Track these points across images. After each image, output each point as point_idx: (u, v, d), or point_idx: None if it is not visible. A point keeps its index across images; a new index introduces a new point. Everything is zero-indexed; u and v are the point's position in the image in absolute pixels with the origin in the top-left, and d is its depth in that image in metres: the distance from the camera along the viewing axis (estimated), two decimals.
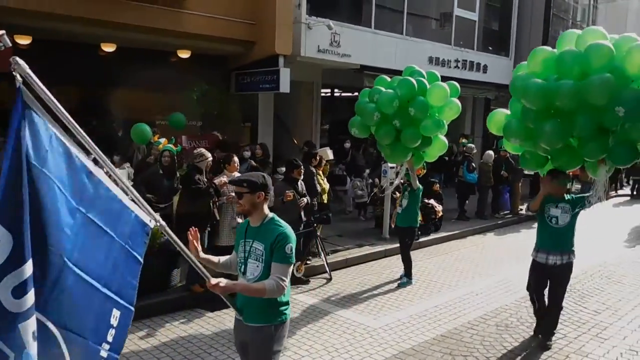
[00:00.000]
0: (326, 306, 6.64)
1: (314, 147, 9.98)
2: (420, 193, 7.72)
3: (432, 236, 10.18)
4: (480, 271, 8.35)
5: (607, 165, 5.00)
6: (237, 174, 7.11)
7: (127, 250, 2.42)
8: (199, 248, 3.36)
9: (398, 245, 7.76)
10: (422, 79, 6.94)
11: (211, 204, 6.66)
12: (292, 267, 3.22)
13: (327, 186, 8.79)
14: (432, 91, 6.88)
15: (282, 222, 3.28)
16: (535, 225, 11.92)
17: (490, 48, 15.59)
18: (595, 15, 21.52)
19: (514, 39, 15.83)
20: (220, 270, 3.57)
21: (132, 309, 2.47)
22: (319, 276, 7.80)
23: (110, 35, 8.76)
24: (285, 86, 9.85)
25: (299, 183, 7.39)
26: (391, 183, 8.92)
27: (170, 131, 10.16)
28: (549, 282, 5.49)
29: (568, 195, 5.47)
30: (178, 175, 7.48)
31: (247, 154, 9.30)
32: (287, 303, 3.33)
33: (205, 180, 6.65)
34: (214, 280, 3.05)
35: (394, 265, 8.38)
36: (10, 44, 6.44)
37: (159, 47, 9.65)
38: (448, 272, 8.26)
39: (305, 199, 7.34)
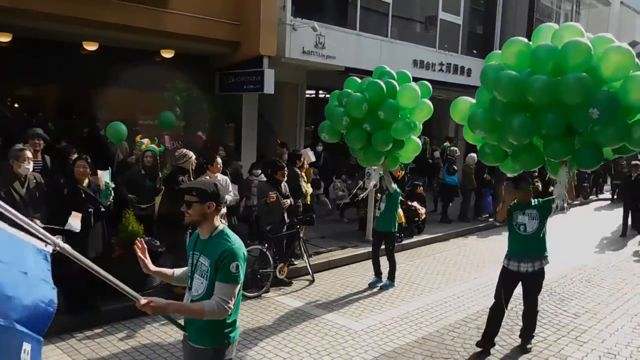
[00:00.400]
0: (308, 308, 6.63)
1: (287, 148, 9.93)
2: (398, 196, 7.61)
3: (415, 238, 10.23)
4: (462, 274, 8.41)
5: (567, 167, 4.85)
6: (219, 175, 7.07)
7: (30, 279, 2.12)
8: (147, 261, 3.14)
9: (381, 247, 7.74)
10: (391, 80, 6.78)
11: None
12: (238, 286, 2.92)
13: (310, 189, 8.77)
14: (402, 93, 6.73)
15: (232, 237, 3.00)
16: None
17: (474, 51, 15.72)
18: (578, 20, 21.75)
19: (497, 42, 15.97)
20: (175, 284, 3.38)
21: (42, 339, 2.21)
22: (302, 278, 7.78)
23: (93, 34, 8.64)
24: (269, 87, 9.81)
25: (282, 184, 7.37)
26: (363, 189, 8.71)
27: (154, 131, 10.08)
28: (522, 288, 5.47)
29: (535, 201, 5.41)
30: (160, 176, 7.42)
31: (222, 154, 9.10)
32: (232, 324, 3.05)
33: (187, 181, 6.59)
34: (143, 300, 2.78)
35: None
36: None
37: (142, 46, 9.55)
38: (430, 274, 8.30)
39: (288, 201, 7.33)
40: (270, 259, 7.07)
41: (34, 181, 5.47)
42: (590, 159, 4.69)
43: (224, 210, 6.05)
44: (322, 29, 10.51)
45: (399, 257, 8.46)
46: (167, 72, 10.27)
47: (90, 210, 5.67)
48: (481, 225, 12.23)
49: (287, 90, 12.45)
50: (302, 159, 8.38)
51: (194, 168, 6.77)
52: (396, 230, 7.62)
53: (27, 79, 9.43)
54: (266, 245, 7.07)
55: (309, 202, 8.61)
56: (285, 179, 7.44)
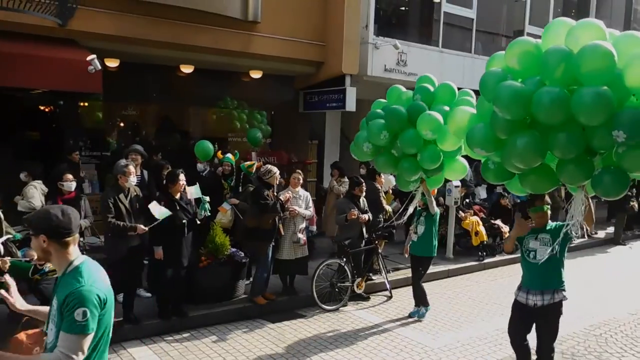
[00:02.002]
0: (385, 323, 6.70)
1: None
2: (438, 218, 6.98)
3: (497, 257, 9.95)
4: None
5: (585, 191, 4.11)
6: (301, 190, 7.37)
7: None
8: (13, 300, 2.80)
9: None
10: (420, 102, 5.73)
11: (277, 219, 6.92)
12: (88, 337, 2.35)
13: (390, 209, 8.83)
14: (422, 124, 5.53)
15: (86, 274, 2.42)
16: (611, 249, 11.42)
17: None
18: None
19: None
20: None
21: None
22: (380, 293, 7.86)
23: (189, 57, 9.33)
24: (351, 105, 10.07)
25: (360, 200, 7.53)
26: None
27: (241, 147, 10.64)
28: (535, 325, 4.82)
29: (550, 224, 4.75)
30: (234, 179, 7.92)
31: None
32: None
33: (273, 196, 6.92)
34: None
35: (457, 286, 8.29)
36: (100, 67, 7.10)
37: (232, 68, 10.15)
38: (512, 295, 8.03)
39: (366, 215, 7.46)
40: (349, 273, 7.23)
41: (135, 193, 6.02)
42: (613, 186, 3.88)
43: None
44: (404, 46, 10.61)
45: (480, 275, 8.35)
46: (255, 92, 10.84)
47: (184, 221, 6.14)
48: (571, 245, 11.60)
49: (368, 107, 12.60)
50: (381, 175, 8.44)
51: (276, 185, 7.09)
52: (434, 254, 6.99)
53: (131, 100, 10.32)
54: (344, 259, 7.24)
55: (387, 218, 8.67)
56: (364, 194, 7.59)
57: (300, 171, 7.77)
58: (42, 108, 9.62)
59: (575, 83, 3.73)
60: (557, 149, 3.84)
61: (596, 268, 10.03)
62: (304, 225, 7.30)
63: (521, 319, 4.80)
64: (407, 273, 8.61)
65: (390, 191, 9.39)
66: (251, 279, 7.17)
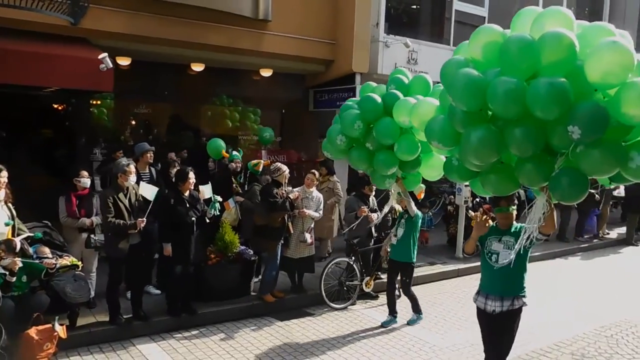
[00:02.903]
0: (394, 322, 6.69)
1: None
2: (419, 221, 6.59)
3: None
4: (558, 296, 8.02)
5: (547, 193, 3.77)
6: (314, 191, 7.38)
7: None
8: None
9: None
10: (395, 91, 5.36)
11: (286, 217, 6.94)
12: None
13: (400, 208, 8.78)
14: (398, 110, 5.12)
15: None
16: (623, 250, 11.31)
17: None
18: None
19: None
20: None
21: None
22: None
23: (200, 56, 9.38)
24: None
25: (370, 199, 7.52)
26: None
27: (252, 145, 10.68)
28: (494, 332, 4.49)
29: (516, 226, 4.39)
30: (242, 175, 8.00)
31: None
32: None
33: (282, 193, 6.93)
34: None
35: (467, 285, 8.25)
36: (112, 65, 7.14)
37: (243, 66, 10.18)
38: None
39: (376, 214, 7.45)
40: (357, 272, 7.23)
41: (134, 192, 6.03)
42: (570, 189, 3.52)
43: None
44: (415, 44, 10.57)
45: None
46: (265, 90, 10.86)
47: (193, 218, 6.17)
48: (583, 245, 11.55)
49: None
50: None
51: (285, 183, 7.10)
52: (415, 260, 6.64)
53: (143, 98, 10.40)
54: (353, 257, 7.24)
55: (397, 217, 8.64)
56: (374, 193, 7.58)
57: (315, 171, 7.74)
58: (54, 106, 9.72)
59: (534, 76, 3.42)
60: (514, 145, 3.52)
61: (608, 268, 9.93)
62: (312, 225, 7.31)
63: (485, 325, 4.50)
64: (416, 272, 8.55)
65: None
66: (260, 277, 7.19)
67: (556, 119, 3.29)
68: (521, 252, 4.10)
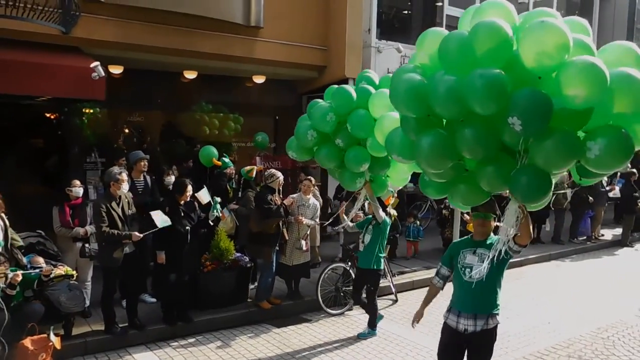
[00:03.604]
0: (391, 327, 6.67)
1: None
2: (387, 228, 6.32)
3: None
4: (554, 299, 8.04)
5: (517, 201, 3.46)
6: (311, 199, 7.36)
7: None
8: None
9: None
10: (366, 86, 5.24)
11: (281, 224, 6.92)
12: None
13: (395, 212, 8.77)
14: (374, 101, 4.98)
15: None
16: (618, 251, 11.33)
17: None
18: None
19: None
20: None
21: None
22: (385, 297, 7.82)
23: (192, 63, 9.38)
24: None
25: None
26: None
27: (246, 152, 10.66)
28: (466, 353, 4.04)
29: (492, 238, 3.99)
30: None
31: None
32: None
33: (277, 200, 6.91)
34: None
35: None
36: (104, 74, 7.12)
37: (236, 73, 10.19)
38: (519, 298, 8.01)
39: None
40: (354, 277, 7.20)
41: (126, 200, 6.00)
42: (530, 189, 3.24)
43: None
44: (407, 49, 10.61)
45: None
46: (258, 96, 10.87)
47: (187, 227, 6.15)
48: (578, 247, 11.59)
49: None
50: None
51: (279, 189, 7.09)
52: (381, 268, 6.36)
53: (135, 106, 10.37)
54: (349, 263, 7.23)
55: (392, 222, 8.63)
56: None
57: (312, 177, 7.70)
58: (47, 115, 9.68)
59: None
60: (464, 147, 3.30)
61: (603, 270, 9.96)
62: (307, 232, 7.29)
63: (452, 344, 4.06)
64: (412, 277, 8.61)
65: (396, 195, 9.30)
66: (256, 284, 7.17)
67: (499, 112, 3.06)
68: (495, 265, 3.74)
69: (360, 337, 6.29)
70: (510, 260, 9.02)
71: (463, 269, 3.95)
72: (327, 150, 5.33)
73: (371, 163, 5.24)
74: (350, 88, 5.21)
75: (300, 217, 7.08)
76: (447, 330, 4.07)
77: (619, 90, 2.96)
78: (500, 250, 3.67)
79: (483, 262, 3.78)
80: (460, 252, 4.02)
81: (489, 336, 3.95)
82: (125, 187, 5.88)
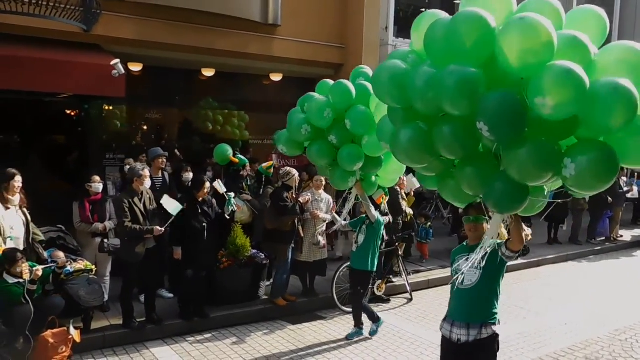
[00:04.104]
0: (406, 326, 6.68)
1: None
2: (381, 228, 6.20)
3: (520, 261, 9.82)
4: (571, 299, 7.96)
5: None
6: (323, 194, 7.39)
7: None
8: None
9: None
10: (365, 82, 5.02)
11: (296, 221, 6.95)
12: None
13: (411, 211, 8.77)
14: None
15: None
16: (637, 252, 11.16)
17: None
18: None
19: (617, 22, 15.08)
20: None
21: None
22: (400, 296, 7.84)
23: (210, 61, 9.45)
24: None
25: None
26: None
27: (263, 150, 10.71)
28: None
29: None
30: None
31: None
32: None
33: (292, 198, 6.94)
34: None
35: None
36: (124, 71, 7.21)
37: (253, 71, 10.25)
38: (535, 298, 7.96)
39: (387, 218, 7.44)
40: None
41: (148, 196, 6.09)
42: (502, 198, 3.00)
43: None
44: None
45: None
46: (275, 94, 10.90)
47: (204, 224, 6.21)
48: (596, 248, 11.45)
49: None
50: (402, 177, 8.39)
51: (296, 187, 7.12)
52: (374, 269, 6.22)
53: (154, 103, 10.48)
54: None
55: (408, 220, 8.63)
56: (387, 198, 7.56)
57: (322, 177, 7.71)
58: (67, 112, 9.83)
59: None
60: (440, 145, 3.07)
61: (621, 271, 9.84)
62: (323, 227, 7.31)
63: (449, 356, 3.81)
64: (427, 275, 8.59)
65: (412, 193, 9.31)
66: (272, 281, 7.21)
67: (472, 114, 2.81)
68: (488, 271, 3.51)
69: (349, 337, 6.18)
70: (527, 261, 8.91)
71: (455, 273, 3.68)
72: (319, 147, 5.14)
73: (364, 162, 5.10)
74: (349, 83, 5.01)
75: (316, 212, 7.10)
76: (443, 341, 3.82)
77: (604, 101, 2.60)
78: (495, 256, 3.44)
79: (476, 268, 3.50)
80: (456, 257, 3.79)
81: (483, 347, 3.63)
82: (147, 183, 5.99)
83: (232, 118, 11.48)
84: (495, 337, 3.64)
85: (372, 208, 6.01)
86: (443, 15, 3.21)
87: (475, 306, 3.62)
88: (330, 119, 4.96)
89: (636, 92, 2.60)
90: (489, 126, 2.72)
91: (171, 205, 5.91)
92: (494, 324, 3.65)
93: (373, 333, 6.30)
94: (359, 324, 6.27)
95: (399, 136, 3.33)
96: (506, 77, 2.82)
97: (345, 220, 6.49)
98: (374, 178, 5.63)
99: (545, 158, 2.75)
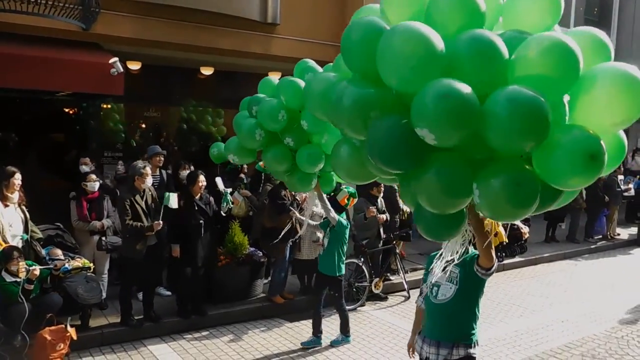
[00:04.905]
0: (403, 323, 6.69)
1: None
2: (345, 231, 5.86)
3: (517, 259, 9.86)
4: (568, 297, 7.99)
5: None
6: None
7: None
8: None
9: None
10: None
11: (294, 220, 6.95)
12: None
13: (408, 209, 8.79)
14: None
15: None
16: (634, 251, 11.19)
17: None
18: None
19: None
20: None
21: None
22: (397, 294, 7.86)
23: (209, 60, 9.46)
24: None
25: (378, 200, 7.54)
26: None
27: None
28: None
29: (472, 250, 3.18)
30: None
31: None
32: None
33: (290, 195, 6.96)
34: None
35: None
36: (123, 70, 7.22)
37: (252, 70, 10.23)
38: (532, 296, 7.99)
39: (384, 215, 7.47)
40: (366, 273, 7.24)
41: (150, 194, 6.12)
42: (429, 224, 2.61)
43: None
44: None
45: (498, 277, 8.24)
46: None
47: (201, 221, 6.23)
48: (592, 247, 11.48)
49: None
50: None
51: None
52: (342, 273, 6.00)
53: (153, 102, 10.49)
54: (362, 259, 7.26)
55: (405, 218, 8.66)
56: (382, 194, 7.60)
57: None
58: (66, 110, 9.84)
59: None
60: (370, 165, 2.69)
61: (618, 270, 9.87)
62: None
63: None
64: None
65: None
66: (269, 278, 7.23)
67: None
68: (464, 286, 3.17)
69: (334, 344, 5.96)
70: (525, 259, 8.96)
71: (432, 287, 3.29)
72: (276, 151, 4.58)
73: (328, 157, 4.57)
74: (299, 80, 4.42)
75: (313, 209, 7.10)
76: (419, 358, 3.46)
77: (499, 120, 2.08)
78: (470, 270, 3.12)
79: (451, 281, 3.20)
80: (433, 262, 3.31)
81: None
82: (149, 180, 6.00)
83: (230, 117, 11.48)
84: (470, 357, 3.23)
85: (332, 211, 5.60)
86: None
87: (447, 324, 3.24)
88: (284, 121, 4.43)
89: (545, 101, 2.05)
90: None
91: (175, 202, 5.93)
92: (470, 345, 3.23)
93: (336, 343, 6.00)
94: (345, 331, 6.07)
95: (338, 151, 2.95)
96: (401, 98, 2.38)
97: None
98: (333, 174, 5.01)
99: (450, 184, 2.29)
